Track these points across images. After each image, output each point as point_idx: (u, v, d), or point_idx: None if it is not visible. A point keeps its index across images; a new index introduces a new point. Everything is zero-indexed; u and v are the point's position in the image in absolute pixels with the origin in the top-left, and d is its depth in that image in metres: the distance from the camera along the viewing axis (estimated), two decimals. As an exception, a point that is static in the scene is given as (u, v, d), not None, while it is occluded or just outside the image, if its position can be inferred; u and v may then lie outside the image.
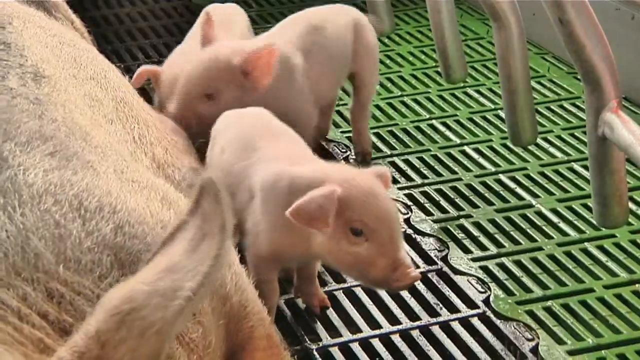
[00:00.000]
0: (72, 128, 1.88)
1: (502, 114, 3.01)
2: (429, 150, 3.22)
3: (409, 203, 2.91)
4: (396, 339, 2.40)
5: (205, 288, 1.32)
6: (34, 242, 1.54)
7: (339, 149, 3.15)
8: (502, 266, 2.65)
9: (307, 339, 2.39)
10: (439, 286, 2.58)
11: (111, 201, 1.67)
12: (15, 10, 2.33)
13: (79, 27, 2.72)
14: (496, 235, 2.78)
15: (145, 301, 1.29)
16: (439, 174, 3.07)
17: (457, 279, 2.59)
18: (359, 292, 2.55)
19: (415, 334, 2.41)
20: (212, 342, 1.67)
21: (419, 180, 3.04)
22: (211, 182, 1.36)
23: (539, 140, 3.05)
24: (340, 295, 2.54)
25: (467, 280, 2.59)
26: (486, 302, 2.51)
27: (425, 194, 2.97)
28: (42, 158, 1.72)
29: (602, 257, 2.67)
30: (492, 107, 3.45)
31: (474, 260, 2.67)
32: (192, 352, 1.61)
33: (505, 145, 3.20)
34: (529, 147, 3.11)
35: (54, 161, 1.72)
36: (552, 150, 3.17)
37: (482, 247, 2.73)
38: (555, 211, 2.87)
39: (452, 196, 2.95)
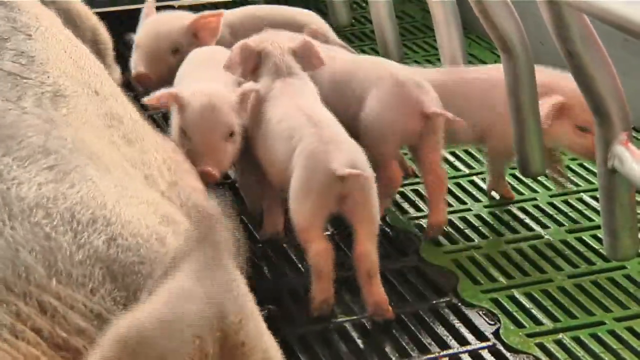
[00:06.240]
0: (79, 147, 1.85)
1: (511, 144, 3.00)
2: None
3: (419, 233, 2.90)
4: (406, 371, 2.39)
5: (210, 317, 1.33)
6: (24, 255, 1.52)
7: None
8: (512, 298, 2.63)
9: (316, 372, 2.39)
10: (449, 318, 2.57)
11: (105, 214, 1.64)
12: (40, 10, 2.30)
13: (104, 40, 2.80)
14: (506, 267, 2.76)
15: (152, 330, 1.30)
16: (448, 205, 3.05)
17: (467, 310, 2.58)
18: (369, 323, 2.54)
19: (425, 366, 2.41)
20: None
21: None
22: (214, 209, 1.36)
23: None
24: (350, 327, 2.53)
25: (477, 312, 2.58)
26: (496, 334, 2.50)
27: (434, 225, 2.96)
28: (38, 172, 1.70)
29: (613, 290, 2.65)
30: (501, 137, 3.44)
31: (484, 292, 2.66)
32: None
33: (514, 176, 3.19)
34: (538, 178, 3.10)
35: (51, 175, 1.70)
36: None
37: (492, 279, 2.71)
38: (565, 242, 2.86)
39: (462, 227, 2.95)
